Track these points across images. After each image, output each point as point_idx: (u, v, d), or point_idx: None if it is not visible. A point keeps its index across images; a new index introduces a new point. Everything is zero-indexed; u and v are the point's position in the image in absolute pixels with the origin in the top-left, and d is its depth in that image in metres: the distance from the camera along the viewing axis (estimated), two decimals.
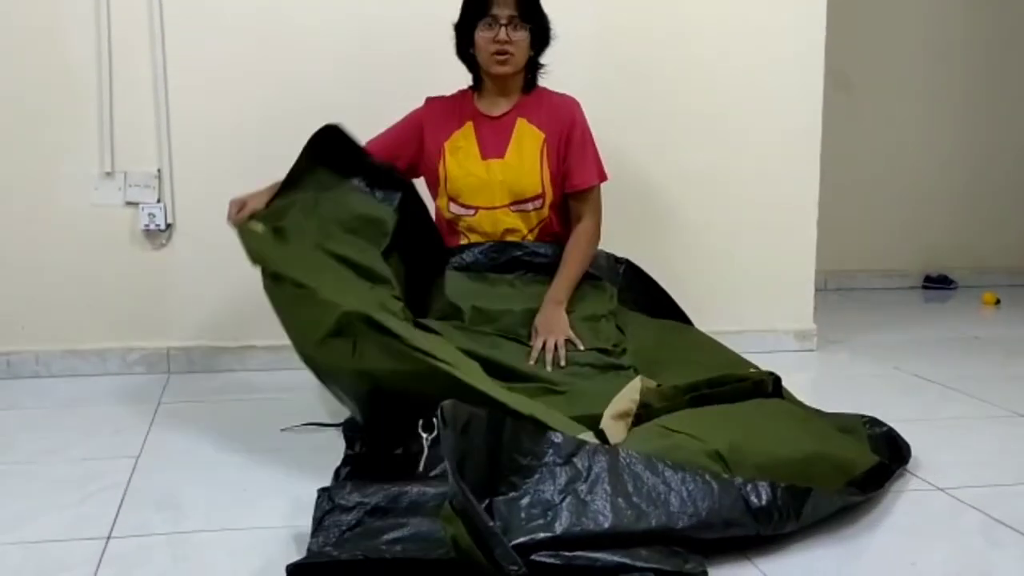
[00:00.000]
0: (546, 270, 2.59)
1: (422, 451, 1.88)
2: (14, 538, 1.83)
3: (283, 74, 3.09)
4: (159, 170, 3.05)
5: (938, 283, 4.93)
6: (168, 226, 3.08)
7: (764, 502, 1.74)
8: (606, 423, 2.05)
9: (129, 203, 3.05)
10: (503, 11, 2.53)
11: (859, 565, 1.74)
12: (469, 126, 2.65)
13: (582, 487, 1.70)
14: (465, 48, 2.64)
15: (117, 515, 1.94)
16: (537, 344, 2.37)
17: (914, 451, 2.23)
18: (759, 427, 1.98)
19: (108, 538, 1.83)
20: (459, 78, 2.73)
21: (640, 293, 2.78)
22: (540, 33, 2.62)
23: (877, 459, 2.07)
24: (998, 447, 2.41)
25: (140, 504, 2.01)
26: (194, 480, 2.15)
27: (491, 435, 1.70)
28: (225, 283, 3.12)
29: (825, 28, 3.39)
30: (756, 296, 3.44)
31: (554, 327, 2.41)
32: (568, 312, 2.50)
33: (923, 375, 3.14)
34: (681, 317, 2.81)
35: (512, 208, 2.61)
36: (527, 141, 2.62)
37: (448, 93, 2.73)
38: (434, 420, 1.74)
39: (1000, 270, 5.06)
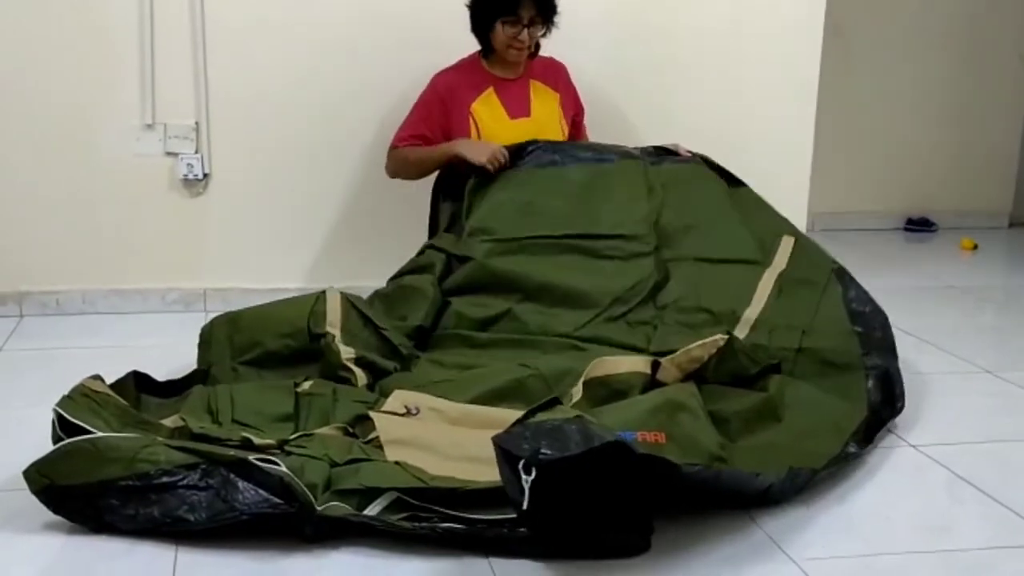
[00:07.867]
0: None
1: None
2: None
3: (315, 32, 3.25)
4: (196, 123, 3.24)
5: (919, 225, 5.18)
6: (205, 175, 3.28)
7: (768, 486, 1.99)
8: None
9: (169, 153, 3.25)
10: (527, 12, 2.81)
11: (845, 520, 2.03)
12: (491, 91, 2.94)
13: None
14: (481, 28, 2.90)
15: None
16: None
17: None
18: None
19: None
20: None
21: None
22: (552, 23, 2.91)
23: (865, 415, 2.30)
24: (964, 404, 2.69)
25: None
26: None
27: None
28: (257, 229, 3.35)
29: None
30: None
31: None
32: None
33: (902, 326, 3.38)
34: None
35: None
36: (546, 100, 3.01)
37: (452, 62, 2.99)
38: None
39: (979, 213, 5.31)
